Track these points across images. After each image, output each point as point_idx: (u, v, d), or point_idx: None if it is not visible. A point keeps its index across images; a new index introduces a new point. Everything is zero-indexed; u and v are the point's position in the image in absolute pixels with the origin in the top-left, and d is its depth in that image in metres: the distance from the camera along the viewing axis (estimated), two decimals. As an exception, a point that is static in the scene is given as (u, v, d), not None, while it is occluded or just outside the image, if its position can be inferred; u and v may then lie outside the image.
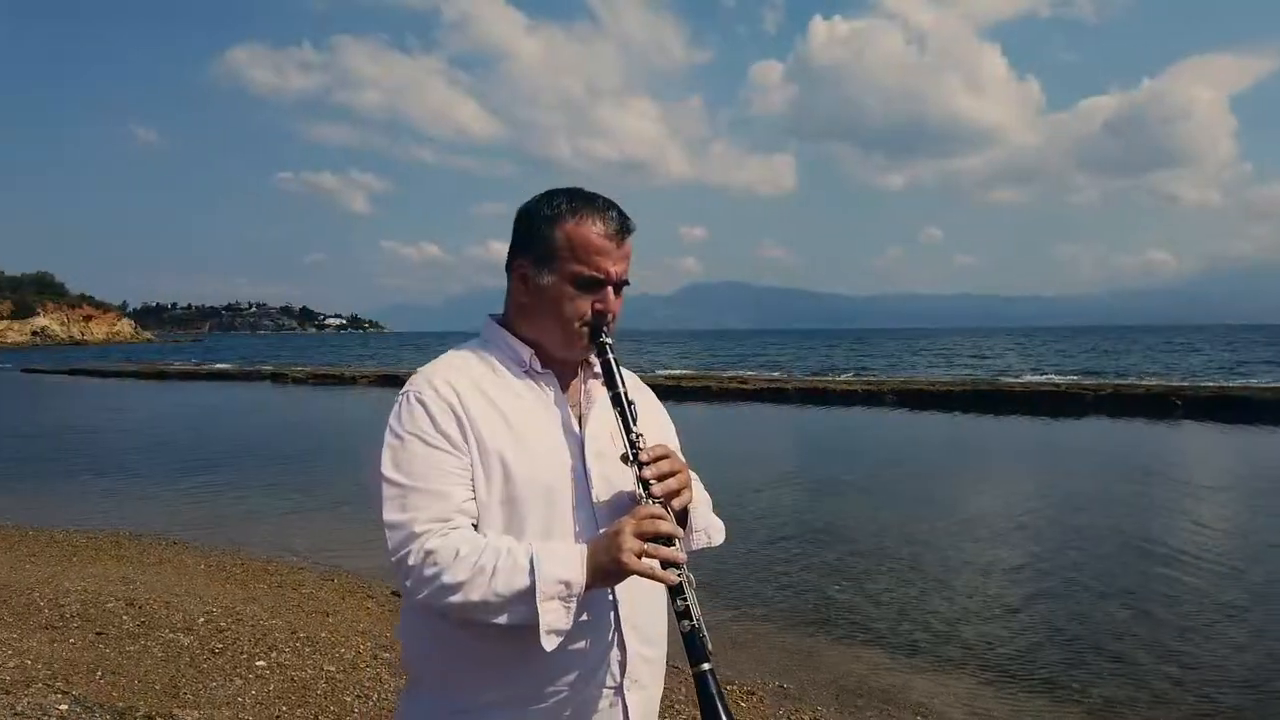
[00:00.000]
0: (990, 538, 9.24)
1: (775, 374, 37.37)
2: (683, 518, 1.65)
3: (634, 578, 1.57)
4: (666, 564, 1.47)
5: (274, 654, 5.47)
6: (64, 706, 4.46)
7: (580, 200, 1.61)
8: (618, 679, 1.58)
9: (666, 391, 29.19)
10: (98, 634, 5.77)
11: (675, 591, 1.48)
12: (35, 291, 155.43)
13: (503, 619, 1.45)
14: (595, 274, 1.58)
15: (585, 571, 1.46)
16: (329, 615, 6.46)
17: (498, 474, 1.54)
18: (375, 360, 60.66)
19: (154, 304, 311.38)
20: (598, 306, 1.60)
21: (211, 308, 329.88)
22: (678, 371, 38.59)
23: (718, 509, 1.82)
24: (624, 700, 1.59)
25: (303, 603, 6.82)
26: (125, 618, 6.15)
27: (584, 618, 1.52)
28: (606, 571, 1.46)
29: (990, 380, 31.51)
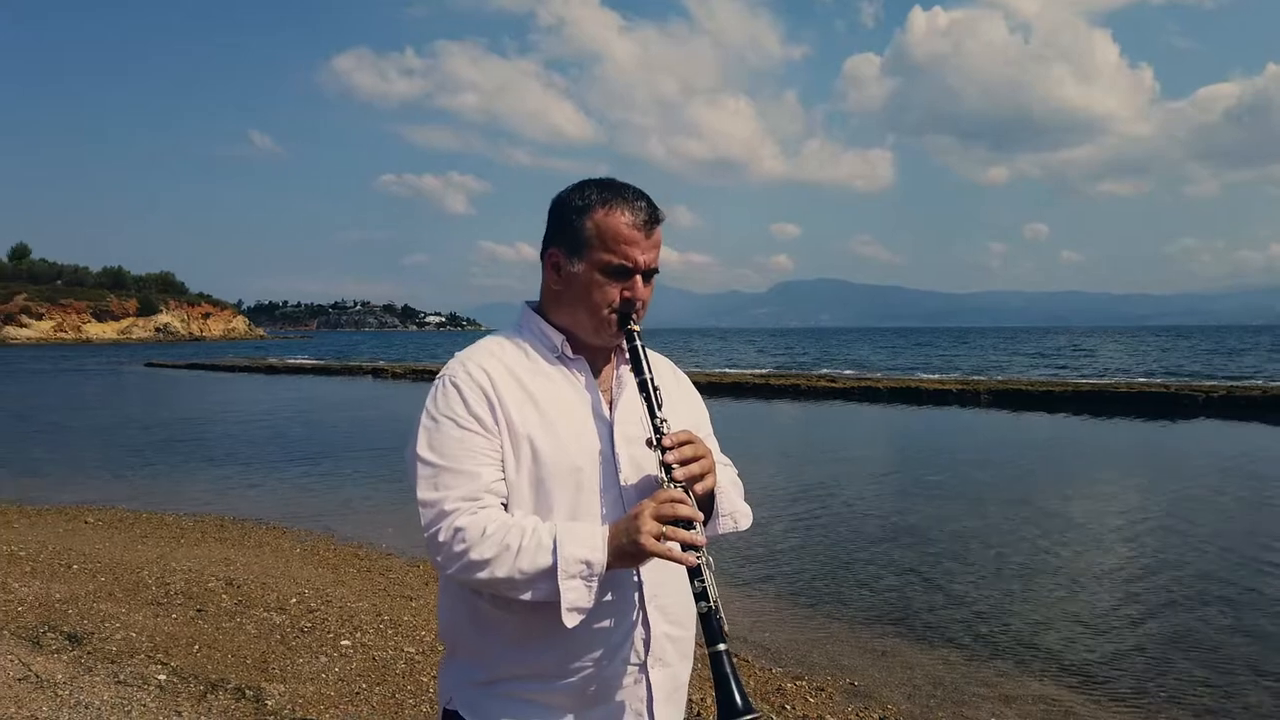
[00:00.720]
0: (1083, 542, 8.92)
1: (866, 372, 36.74)
2: (708, 502, 1.68)
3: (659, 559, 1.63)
4: (687, 547, 1.51)
5: (358, 634, 5.70)
6: (162, 677, 4.75)
7: (610, 191, 1.66)
8: (642, 656, 1.63)
9: (754, 389, 29.05)
10: (198, 611, 6.11)
11: (694, 573, 1.52)
12: (159, 290, 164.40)
13: (527, 595, 1.52)
14: (623, 262, 1.63)
15: (606, 552, 1.51)
16: (412, 599, 6.69)
17: (527, 456, 1.60)
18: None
19: (267, 302, 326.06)
20: (625, 294, 1.64)
21: (319, 306, 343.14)
22: (765, 370, 38.32)
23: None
24: (648, 677, 1.64)
25: (389, 587, 7.07)
26: (224, 596, 6.50)
27: (608, 597, 1.58)
28: (626, 553, 1.50)
29: (1095, 380, 30.31)
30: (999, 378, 32.05)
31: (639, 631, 1.63)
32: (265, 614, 6.08)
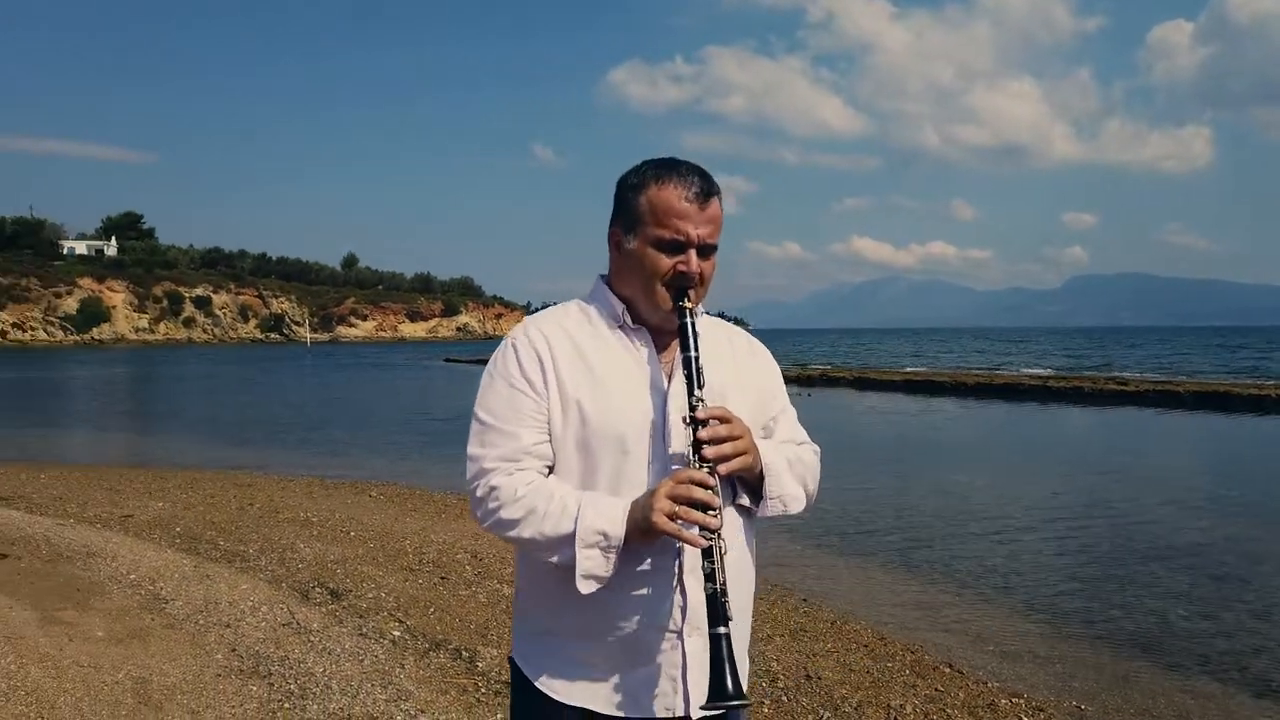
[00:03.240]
0: None
1: (1167, 375, 32.87)
2: (756, 483, 1.68)
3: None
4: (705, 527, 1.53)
5: (575, 611, 6.00)
6: (397, 632, 5.29)
7: (664, 167, 1.68)
8: (679, 624, 1.64)
9: (1030, 392, 26.93)
10: (441, 578, 6.71)
11: (706, 554, 1.55)
12: (459, 293, 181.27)
13: (552, 558, 1.60)
14: (675, 236, 1.64)
15: (625, 525, 1.55)
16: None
17: (575, 419, 1.65)
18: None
19: (552, 303, 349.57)
20: (680, 268, 1.65)
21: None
22: (1043, 371, 35.33)
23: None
24: (684, 645, 1.65)
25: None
26: (467, 567, 7.09)
27: (644, 564, 1.62)
28: (641, 529, 1.55)
29: None
30: (1338, 383, 27.44)
31: (675, 599, 1.64)
32: (497, 585, 6.56)
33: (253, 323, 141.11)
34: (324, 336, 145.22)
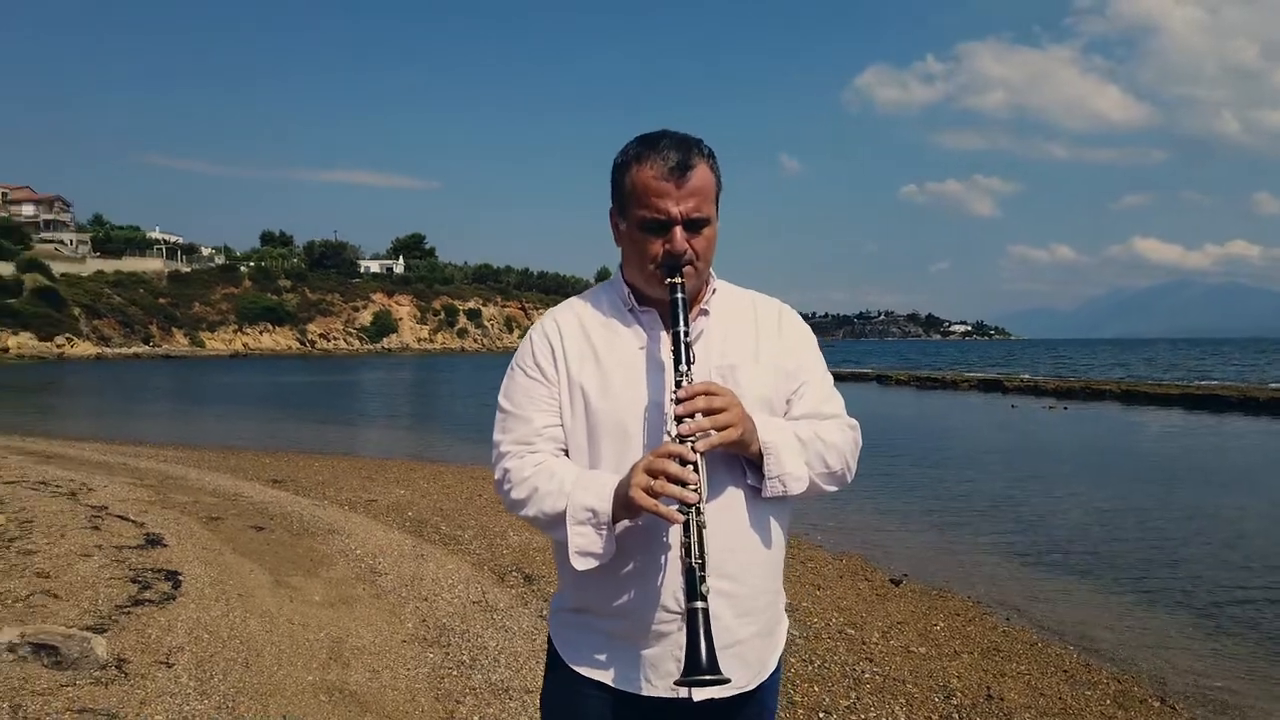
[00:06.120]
0: None
1: None
2: (759, 461, 1.65)
3: (712, 511, 1.64)
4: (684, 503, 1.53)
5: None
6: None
7: (644, 144, 1.68)
8: (681, 605, 1.63)
9: (1261, 405, 23.60)
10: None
11: (684, 529, 1.54)
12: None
13: (553, 535, 1.67)
14: (655, 216, 1.64)
15: (612, 501, 1.58)
16: (819, 588, 6.77)
17: (580, 406, 1.71)
18: (996, 367, 58.81)
19: (801, 314, 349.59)
20: (666, 248, 1.65)
21: (844, 316, 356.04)
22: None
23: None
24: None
25: (804, 574, 7.24)
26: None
27: (646, 542, 1.64)
28: (624, 504, 1.57)
29: None
30: None
31: (676, 580, 1.63)
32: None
33: (516, 333, 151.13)
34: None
